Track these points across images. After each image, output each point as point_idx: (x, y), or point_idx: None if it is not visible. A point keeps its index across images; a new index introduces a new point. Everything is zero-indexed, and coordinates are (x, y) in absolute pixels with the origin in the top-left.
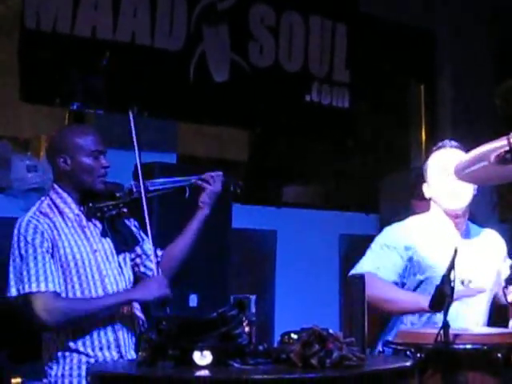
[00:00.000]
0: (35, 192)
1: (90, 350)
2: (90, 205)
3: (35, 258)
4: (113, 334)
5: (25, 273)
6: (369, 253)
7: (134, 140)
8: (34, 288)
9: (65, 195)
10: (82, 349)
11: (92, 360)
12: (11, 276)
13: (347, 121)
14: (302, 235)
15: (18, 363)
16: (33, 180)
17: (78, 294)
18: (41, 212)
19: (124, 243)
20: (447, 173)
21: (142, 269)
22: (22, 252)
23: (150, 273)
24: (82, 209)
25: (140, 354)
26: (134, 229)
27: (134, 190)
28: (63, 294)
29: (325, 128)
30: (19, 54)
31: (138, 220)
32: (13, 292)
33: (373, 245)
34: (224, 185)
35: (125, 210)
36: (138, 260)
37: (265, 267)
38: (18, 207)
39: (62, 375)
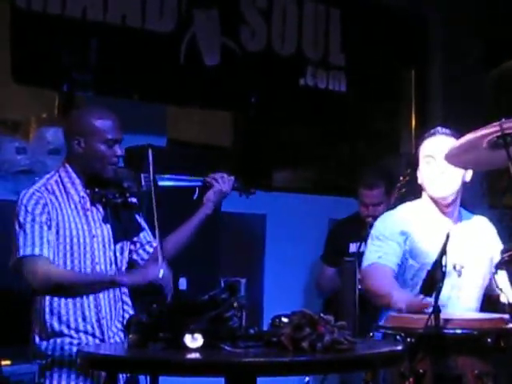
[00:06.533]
0: (24, 174)
1: (73, 333)
2: (96, 190)
3: (32, 226)
4: (96, 316)
5: (21, 239)
6: (369, 247)
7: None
8: (27, 252)
9: (74, 176)
10: (66, 331)
11: (75, 341)
12: (12, 247)
13: (345, 105)
14: (291, 219)
15: (6, 345)
16: (22, 162)
17: None
18: (46, 188)
19: (124, 232)
20: (434, 160)
21: (135, 256)
22: (21, 220)
23: (141, 261)
24: (88, 192)
25: (130, 336)
26: (138, 220)
27: (143, 182)
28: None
29: (321, 112)
30: (11, 35)
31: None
32: (11, 260)
33: (369, 240)
34: (233, 189)
35: (134, 201)
36: (132, 247)
37: (254, 251)
38: (6, 190)
39: (49, 356)
